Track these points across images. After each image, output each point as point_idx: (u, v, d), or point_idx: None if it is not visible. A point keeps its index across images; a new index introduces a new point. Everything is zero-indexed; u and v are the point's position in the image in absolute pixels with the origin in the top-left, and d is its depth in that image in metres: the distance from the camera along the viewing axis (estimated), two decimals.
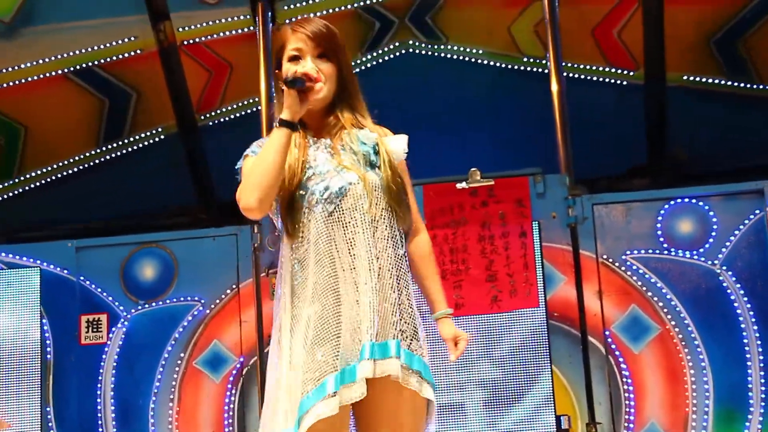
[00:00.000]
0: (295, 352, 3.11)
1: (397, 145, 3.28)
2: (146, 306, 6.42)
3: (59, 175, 7.36)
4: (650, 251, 6.15)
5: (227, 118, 7.42)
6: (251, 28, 7.14)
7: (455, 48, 7.37)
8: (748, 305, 6.02)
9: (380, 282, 3.10)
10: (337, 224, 3.13)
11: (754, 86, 7.07)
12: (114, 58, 7.24)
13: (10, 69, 7.17)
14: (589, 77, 7.27)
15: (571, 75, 7.12)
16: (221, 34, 7.28)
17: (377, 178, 3.19)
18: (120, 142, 7.38)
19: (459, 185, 6.22)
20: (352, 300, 3.08)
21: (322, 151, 3.22)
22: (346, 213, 3.14)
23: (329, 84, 3.21)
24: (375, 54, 7.43)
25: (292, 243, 3.18)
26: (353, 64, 7.30)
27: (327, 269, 3.11)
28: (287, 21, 7.21)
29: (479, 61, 7.37)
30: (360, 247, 3.10)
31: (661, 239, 6.16)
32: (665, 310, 6.07)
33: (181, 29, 7.21)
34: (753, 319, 6.00)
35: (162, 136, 7.39)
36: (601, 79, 7.28)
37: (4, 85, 7.20)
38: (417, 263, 3.31)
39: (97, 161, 7.38)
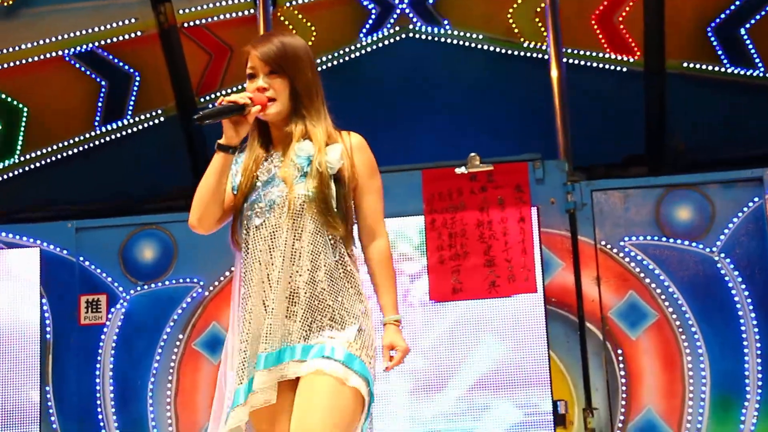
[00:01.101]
0: (228, 361, 3.39)
1: (332, 154, 3.36)
2: (145, 287, 6.43)
3: (59, 156, 7.36)
4: (649, 238, 6.16)
5: None
6: (252, 11, 7.14)
7: (455, 33, 7.36)
8: (746, 293, 6.03)
9: (296, 292, 3.24)
10: (262, 237, 3.29)
11: (754, 73, 7.07)
12: (114, 39, 7.24)
13: (10, 50, 7.16)
14: (588, 64, 7.26)
15: (570, 61, 7.12)
16: (222, 16, 7.27)
17: (304, 189, 3.31)
18: (120, 124, 7.38)
19: (458, 170, 6.22)
20: (260, 312, 3.25)
21: (273, 164, 3.38)
22: (271, 225, 3.29)
23: (281, 99, 3.36)
24: (375, 38, 7.42)
25: (238, 252, 3.39)
26: (353, 48, 7.38)
27: (249, 281, 3.29)
28: (287, 4, 7.22)
29: (479, 46, 7.37)
30: (277, 260, 3.26)
31: (660, 226, 6.17)
32: (663, 297, 6.08)
33: (181, 11, 7.21)
34: (750, 307, 6.02)
35: (162, 118, 7.39)
36: (600, 66, 7.28)
37: (5, 65, 7.20)
38: (372, 269, 3.43)
39: (97, 142, 7.38)
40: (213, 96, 7.40)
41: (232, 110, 3.29)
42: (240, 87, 7.29)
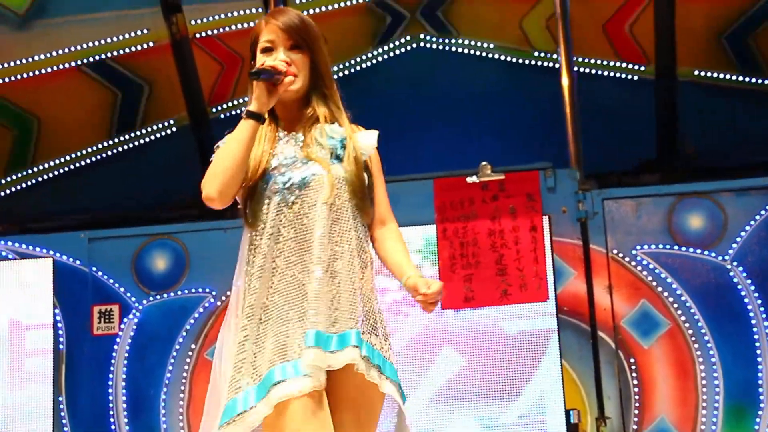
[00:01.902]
0: (247, 344, 3.09)
1: (367, 140, 3.24)
2: (158, 297, 6.45)
3: (72, 167, 7.38)
4: (660, 246, 6.15)
5: (239, 111, 7.42)
6: None
7: (466, 42, 7.37)
8: (759, 301, 6.02)
9: (336, 274, 3.08)
10: (297, 215, 3.10)
11: (766, 81, 7.06)
12: (126, 50, 7.26)
13: (23, 61, 7.19)
14: (600, 72, 7.26)
15: (582, 69, 7.12)
16: (233, 27, 7.29)
17: (342, 172, 3.16)
18: (132, 134, 7.40)
19: (469, 179, 6.23)
20: (303, 291, 3.04)
21: (291, 144, 3.20)
22: (306, 204, 3.11)
23: (302, 76, 3.18)
24: (386, 48, 7.43)
25: (252, 233, 3.16)
26: (364, 58, 7.40)
27: (281, 260, 3.08)
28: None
29: (490, 55, 7.37)
30: (317, 239, 3.07)
31: (672, 234, 6.16)
32: (675, 306, 6.07)
33: (193, 22, 7.23)
34: (763, 315, 6.01)
35: (174, 129, 7.41)
36: (612, 74, 7.27)
37: (18, 76, 7.22)
38: (384, 241, 3.25)
39: (109, 153, 7.40)
40: (225, 106, 7.43)
41: (272, 75, 3.10)
42: None
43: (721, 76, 7.14)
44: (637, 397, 6.01)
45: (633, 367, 6.04)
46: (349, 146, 3.18)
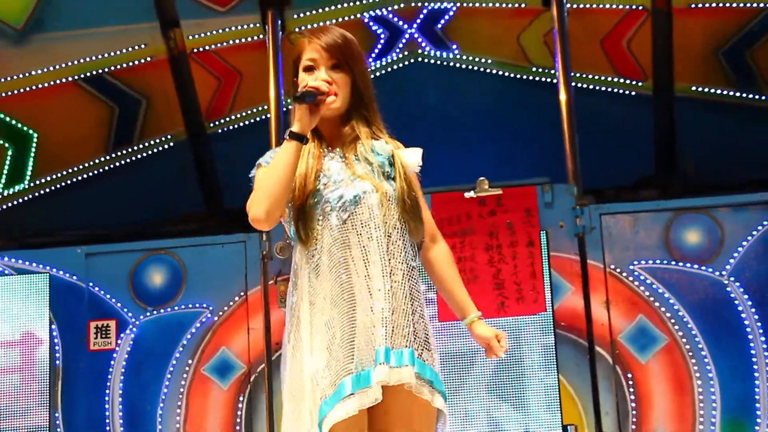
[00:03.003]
0: (315, 357, 3.13)
1: (412, 157, 3.30)
2: (155, 312, 6.43)
3: (69, 182, 7.39)
4: (658, 261, 6.14)
5: (236, 126, 7.45)
6: (261, 36, 7.16)
7: (464, 58, 7.38)
8: (756, 316, 6.01)
9: (393, 290, 3.13)
10: (351, 232, 3.16)
11: (763, 97, 7.07)
12: (124, 65, 7.27)
13: (21, 75, 7.20)
14: (597, 87, 7.28)
15: (579, 85, 7.13)
16: (231, 42, 7.30)
17: (391, 189, 3.22)
18: (130, 149, 7.41)
19: (467, 194, 6.23)
20: (367, 306, 3.10)
21: (336, 161, 3.25)
22: (360, 221, 3.16)
23: (342, 94, 3.24)
24: (384, 63, 7.45)
25: (306, 251, 3.21)
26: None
27: (342, 276, 3.14)
28: (297, 29, 7.24)
29: (488, 70, 7.39)
30: (374, 255, 3.13)
31: (669, 250, 6.16)
32: (672, 321, 6.07)
33: (191, 37, 7.24)
34: (760, 330, 6.00)
35: (171, 144, 7.42)
36: (609, 90, 7.29)
37: (16, 91, 7.23)
38: (441, 269, 3.36)
39: (106, 168, 7.41)
40: (222, 121, 7.43)
41: (314, 96, 3.16)
42: (250, 111, 7.38)
43: (719, 91, 7.16)
44: (634, 412, 6.00)
45: (630, 382, 6.03)
46: (397, 163, 3.25)
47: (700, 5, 6.96)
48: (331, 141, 3.30)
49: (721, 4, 6.97)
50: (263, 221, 3.16)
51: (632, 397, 6.01)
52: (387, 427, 3.17)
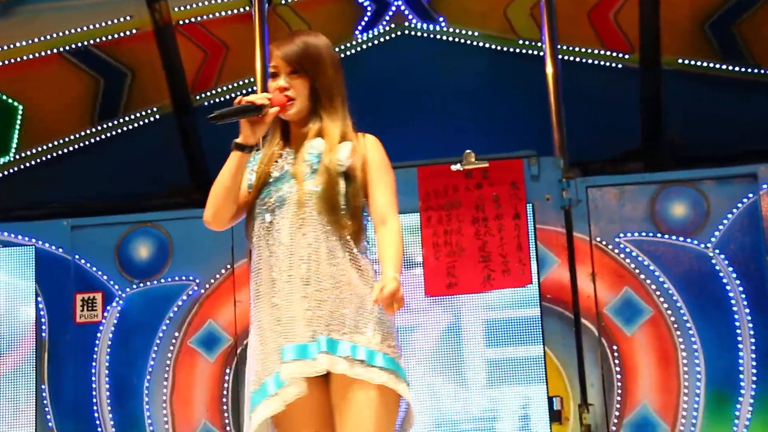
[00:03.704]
0: (253, 352, 3.37)
1: (340, 153, 3.39)
2: (141, 285, 6.43)
3: (54, 154, 7.35)
4: (644, 234, 6.16)
5: (222, 99, 7.41)
6: (247, 8, 7.13)
7: (451, 30, 7.36)
8: (741, 288, 6.04)
9: (308, 285, 3.27)
10: (273, 232, 3.34)
11: (749, 70, 7.07)
12: (110, 37, 7.23)
13: (5, 47, 7.16)
14: (584, 60, 7.27)
15: (566, 58, 7.12)
16: (217, 14, 7.27)
17: (313, 185, 3.35)
18: (115, 122, 7.38)
19: (453, 167, 6.23)
20: (283, 304, 3.27)
21: (286, 162, 3.43)
22: (281, 221, 3.34)
23: (300, 99, 3.42)
24: (370, 36, 7.42)
25: (252, 247, 3.44)
26: (348, 45, 7.39)
27: (264, 276, 3.34)
28: (283, 2, 7.21)
29: (475, 43, 7.37)
30: (287, 255, 3.29)
31: (655, 222, 6.17)
32: (658, 293, 6.09)
33: (176, 9, 7.21)
34: (745, 303, 6.02)
35: (157, 116, 7.38)
36: (596, 62, 7.28)
37: (0, 63, 7.20)
38: (378, 240, 3.41)
39: (92, 140, 7.38)
40: (208, 93, 7.41)
41: (249, 110, 3.34)
42: (236, 84, 7.36)
43: (705, 64, 7.15)
44: (619, 384, 6.03)
45: (616, 354, 6.06)
46: (324, 160, 3.37)
47: None
48: (293, 141, 3.48)
49: None
50: (211, 223, 3.45)
51: (618, 369, 6.04)
52: (339, 419, 3.27)
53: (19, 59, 7.19)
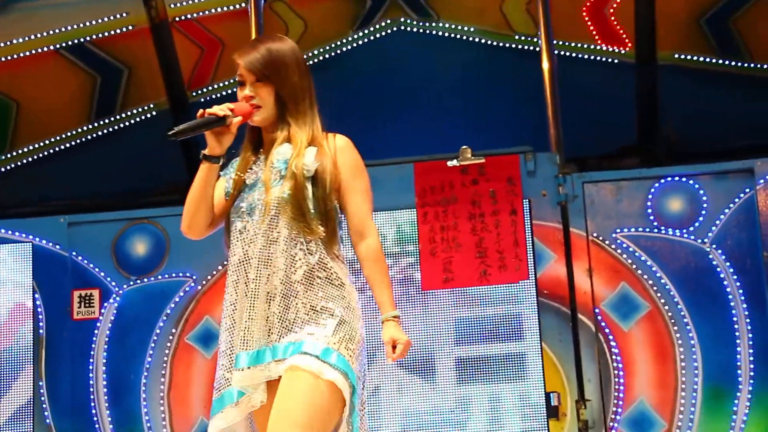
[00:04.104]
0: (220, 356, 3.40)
1: (306, 158, 3.38)
2: (138, 282, 6.43)
3: (51, 151, 7.35)
4: (640, 229, 6.17)
5: (218, 95, 7.41)
6: (243, 4, 7.13)
7: (446, 26, 7.36)
8: (738, 283, 6.05)
9: (273, 294, 3.28)
10: (244, 240, 3.35)
11: (746, 65, 7.08)
12: (106, 34, 7.23)
13: (2, 45, 7.15)
14: (580, 55, 7.27)
15: (562, 53, 7.12)
16: (213, 10, 7.26)
17: (280, 192, 3.34)
18: (112, 118, 7.37)
19: (450, 163, 6.23)
20: (243, 313, 3.29)
21: (259, 168, 3.44)
22: (251, 228, 3.35)
23: (266, 106, 3.43)
24: (366, 32, 7.42)
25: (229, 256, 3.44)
26: (344, 41, 7.38)
27: (231, 284, 3.37)
28: None
29: (470, 38, 7.37)
30: (257, 261, 3.31)
31: (651, 217, 6.18)
32: (655, 288, 6.10)
33: (172, 5, 7.20)
34: (742, 297, 6.03)
35: (153, 113, 7.38)
36: (592, 58, 7.28)
37: None
38: (364, 268, 3.43)
39: (88, 137, 7.37)
40: (205, 90, 7.40)
41: (211, 122, 3.34)
42: (232, 80, 7.34)
43: (701, 59, 7.15)
44: (616, 379, 6.03)
45: (613, 349, 6.06)
46: (290, 165, 3.36)
47: None
48: (264, 148, 3.49)
49: None
50: (188, 233, 3.51)
51: (615, 364, 6.05)
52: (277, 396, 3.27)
53: (15, 56, 7.18)
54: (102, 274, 6.44)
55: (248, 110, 3.40)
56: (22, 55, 7.18)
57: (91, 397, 6.32)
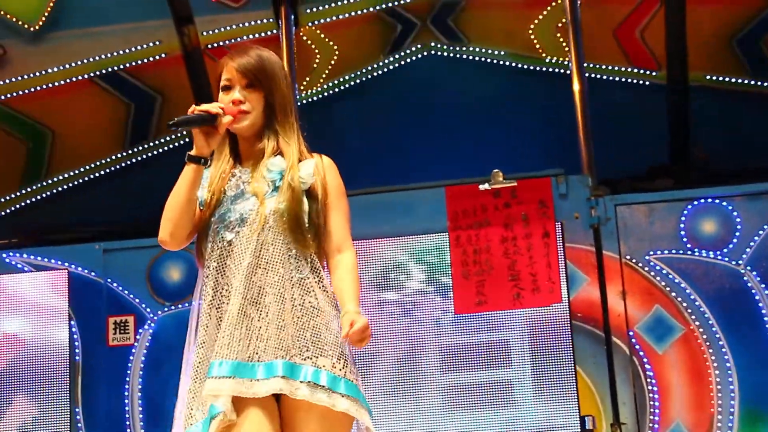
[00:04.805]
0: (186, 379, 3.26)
1: (303, 170, 3.30)
2: (172, 308, 6.47)
3: (86, 178, 7.42)
4: (673, 251, 6.15)
5: None
6: (274, 31, 7.18)
7: (477, 50, 7.39)
8: None
9: (265, 306, 3.15)
10: (232, 251, 3.20)
11: None
12: (139, 62, 7.30)
13: (37, 74, 7.23)
14: (611, 77, 7.27)
15: (592, 75, 7.12)
16: (244, 37, 7.32)
17: (275, 204, 3.24)
18: (146, 145, 7.44)
19: (482, 187, 6.23)
20: (223, 321, 3.16)
21: (242, 180, 3.30)
22: (242, 240, 3.20)
23: (255, 112, 3.29)
24: (397, 56, 7.46)
25: (202, 268, 3.28)
26: (375, 66, 7.41)
27: (216, 298, 3.21)
28: (310, 24, 7.26)
29: (501, 62, 7.39)
30: (246, 275, 3.16)
31: (685, 239, 6.16)
32: (689, 311, 6.07)
33: (205, 33, 7.26)
34: None
35: (187, 139, 7.41)
36: (623, 80, 7.28)
37: (32, 89, 7.27)
38: (337, 271, 3.30)
39: (123, 164, 7.44)
40: None
41: (204, 120, 3.22)
42: None
43: (733, 80, 7.13)
44: (652, 402, 6.00)
45: (648, 372, 6.03)
46: (286, 177, 3.26)
47: None
48: (247, 159, 3.35)
49: None
50: (169, 242, 3.28)
51: (650, 387, 6.02)
52: None
53: (50, 85, 7.27)
54: (137, 300, 6.48)
55: (236, 112, 3.27)
56: (57, 84, 7.27)
57: (127, 423, 6.35)
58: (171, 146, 7.43)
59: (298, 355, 3.12)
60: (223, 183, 3.29)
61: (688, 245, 6.15)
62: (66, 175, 7.41)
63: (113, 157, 7.44)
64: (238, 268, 3.18)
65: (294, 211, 3.23)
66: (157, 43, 7.25)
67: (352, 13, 7.20)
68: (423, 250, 6.21)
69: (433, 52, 7.47)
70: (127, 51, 7.26)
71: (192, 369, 3.24)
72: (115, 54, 7.24)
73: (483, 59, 7.38)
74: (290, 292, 3.18)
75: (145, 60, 7.30)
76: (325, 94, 7.47)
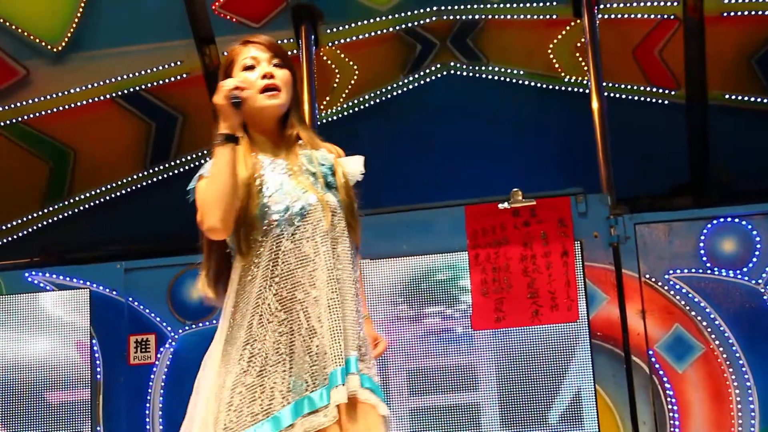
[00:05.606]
0: (241, 375, 3.18)
1: (353, 166, 3.26)
2: (194, 326, 6.49)
3: (108, 198, 7.47)
4: (693, 270, 6.14)
5: None
6: (295, 51, 7.22)
7: (496, 69, 7.41)
8: None
9: (342, 302, 3.06)
10: (297, 245, 3.08)
11: None
12: (160, 82, 7.35)
13: (59, 94, 7.29)
14: (630, 97, 7.28)
15: (612, 95, 7.14)
16: None
17: (334, 199, 3.17)
18: (167, 165, 7.48)
19: (501, 205, 6.25)
20: (314, 323, 3.05)
21: (279, 172, 3.18)
22: (306, 233, 3.08)
23: (285, 91, 3.19)
24: (416, 76, 7.49)
25: (245, 263, 3.13)
26: (395, 86, 7.45)
27: (286, 292, 3.07)
28: (330, 44, 7.30)
29: (520, 81, 7.41)
30: (321, 269, 3.06)
31: (704, 258, 6.15)
32: (709, 330, 6.05)
33: (225, 53, 7.30)
34: None
35: (208, 158, 7.45)
36: (642, 99, 7.29)
37: (54, 109, 7.33)
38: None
39: (144, 183, 7.49)
40: None
41: (238, 102, 3.13)
42: None
43: (752, 99, 7.14)
44: (672, 421, 5.99)
45: (668, 391, 6.02)
46: (338, 173, 3.19)
47: (732, 13, 6.95)
48: (273, 149, 3.24)
49: (753, 12, 6.96)
50: (221, 230, 3.08)
51: (670, 406, 6.00)
52: None
53: (72, 105, 7.32)
54: (158, 319, 6.51)
55: (275, 85, 3.13)
56: (79, 104, 7.32)
57: None
58: (192, 165, 7.48)
59: (357, 352, 3.07)
60: (256, 172, 3.15)
61: (708, 264, 6.14)
62: (88, 195, 7.47)
63: (135, 177, 7.49)
64: (309, 264, 3.05)
65: (353, 207, 3.18)
66: (179, 63, 7.30)
67: (372, 33, 7.24)
68: (442, 268, 6.23)
69: (452, 71, 7.50)
70: (148, 71, 7.31)
71: (256, 361, 3.12)
72: (136, 74, 7.30)
73: (502, 79, 7.41)
74: (352, 290, 3.12)
75: (167, 80, 7.35)
76: (345, 113, 7.51)
